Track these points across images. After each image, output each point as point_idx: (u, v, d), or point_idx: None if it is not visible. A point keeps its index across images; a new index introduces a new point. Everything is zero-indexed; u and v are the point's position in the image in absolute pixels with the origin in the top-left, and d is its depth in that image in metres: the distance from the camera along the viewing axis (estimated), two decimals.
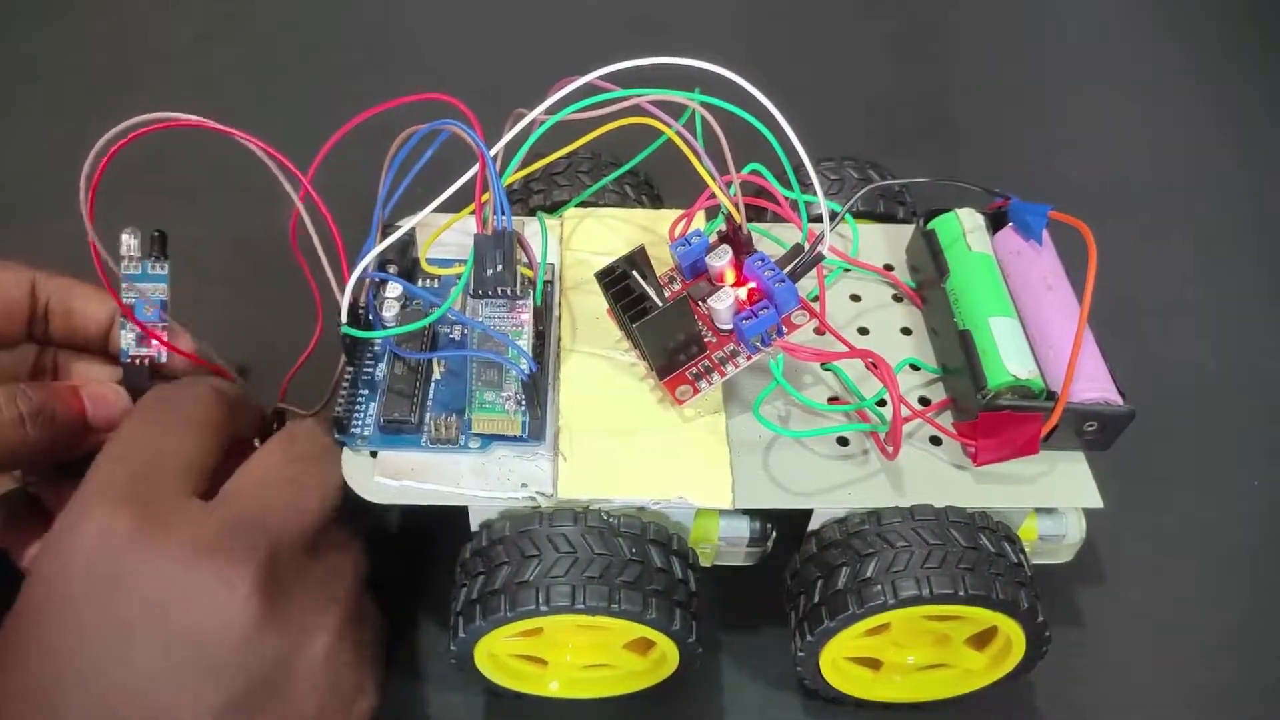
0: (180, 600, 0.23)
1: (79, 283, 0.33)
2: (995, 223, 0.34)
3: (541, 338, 0.31)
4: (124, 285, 0.31)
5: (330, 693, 0.26)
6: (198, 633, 0.23)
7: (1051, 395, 0.29)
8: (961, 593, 0.27)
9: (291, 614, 0.25)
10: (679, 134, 0.29)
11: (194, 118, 0.27)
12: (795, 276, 0.29)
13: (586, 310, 0.33)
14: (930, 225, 0.34)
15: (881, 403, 0.31)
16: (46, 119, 0.52)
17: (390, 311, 0.30)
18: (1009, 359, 0.30)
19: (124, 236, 0.30)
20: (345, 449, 0.29)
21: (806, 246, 0.30)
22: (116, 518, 0.23)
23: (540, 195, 0.37)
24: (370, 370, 0.31)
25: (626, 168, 0.37)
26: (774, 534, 0.31)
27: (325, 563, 0.27)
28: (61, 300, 0.32)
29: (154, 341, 0.31)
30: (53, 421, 0.29)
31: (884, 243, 0.37)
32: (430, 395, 0.30)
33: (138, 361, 0.31)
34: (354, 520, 0.29)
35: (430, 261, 0.33)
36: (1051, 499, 0.30)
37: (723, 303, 0.28)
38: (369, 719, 0.28)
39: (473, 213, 0.30)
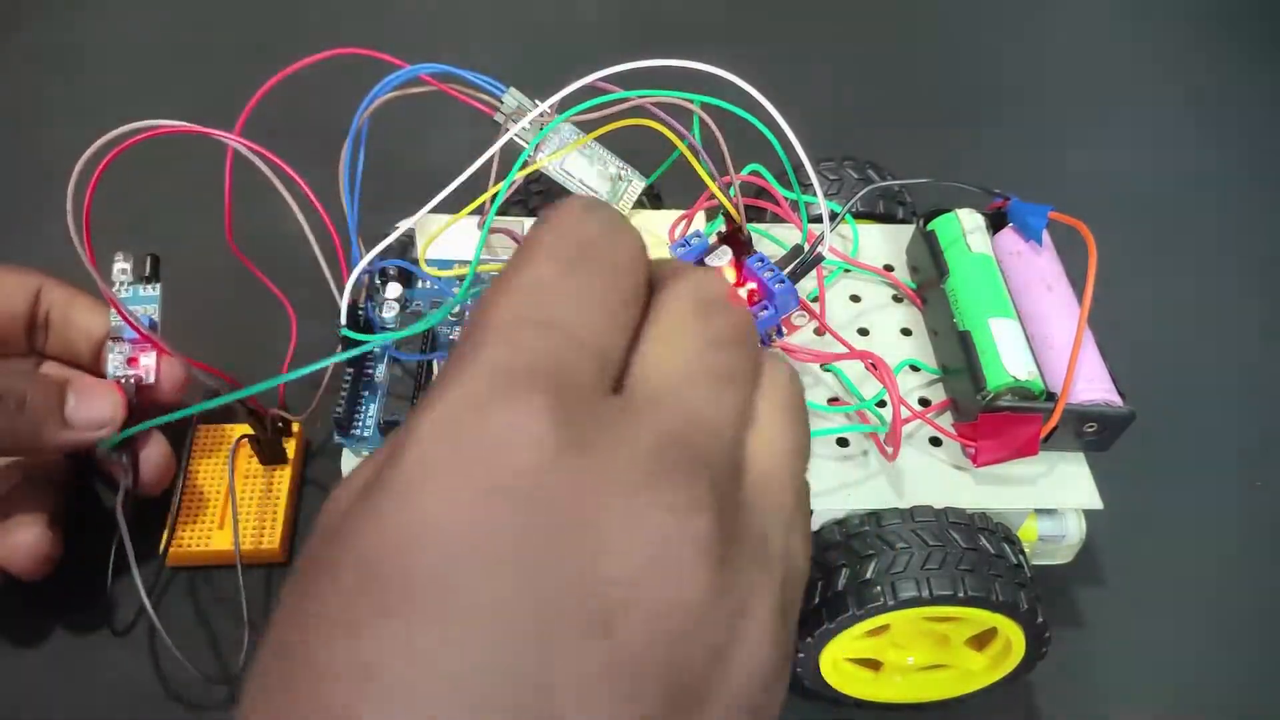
0: (610, 565, 0.14)
1: (82, 293, 0.33)
2: (995, 223, 0.34)
3: None
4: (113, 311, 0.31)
5: (752, 693, 0.16)
6: (632, 620, 0.14)
7: (1051, 396, 0.29)
8: (961, 594, 0.27)
9: (731, 589, 0.15)
10: (679, 135, 0.29)
11: (178, 124, 0.27)
12: (795, 277, 0.29)
13: None
14: (930, 226, 0.34)
15: (881, 404, 0.31)
16: (47, 118, 0.52)
17: (390, 313, 0.30)
18: (1009, 360, 0.30)
19: (116, 261, 0.30)
20: (345, 451, 0.29)
21: (806, 247, 0.30)
22: (539, 424, 0.14)
23: (540, 196, 0.37)
24: (370, 371, 0.31)
25: (647, 182, 0.36)
26: None
27: (753, 503, 0.17)
28: (62, 311, 0.32)
29: (140, 362, 0.31)
30: (19, 410, 0.28)
31: (884, 243, 0.37)
32: None
33: (124, 381, 0.31)
34: None
35: (430, 263, 0.33)
36: (1051, 500, 0.30)
37: None
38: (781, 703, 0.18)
39: (472, 213, 0.30)
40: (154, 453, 0.33)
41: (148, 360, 0.31)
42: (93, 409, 0.30)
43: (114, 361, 0.31)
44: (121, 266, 0.31)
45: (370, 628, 0.13)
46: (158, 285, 0.32)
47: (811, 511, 0.29)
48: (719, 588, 0.14)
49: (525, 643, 0.13)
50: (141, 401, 0.31)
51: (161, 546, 0.34)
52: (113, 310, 0.31)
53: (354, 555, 0.14)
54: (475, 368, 0.15)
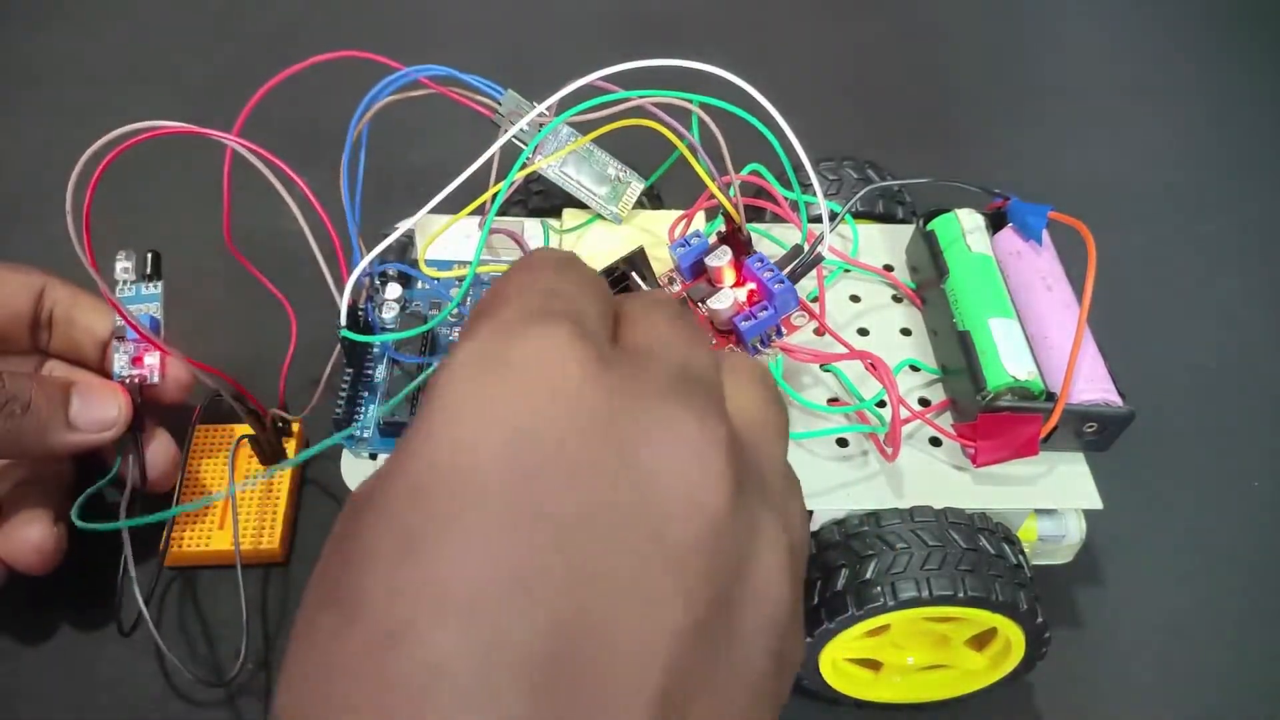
0: (649, 467, 0.15)
1: (85, 293, 0.33)
2: (995, 223, 0.34)
3: None
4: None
5: (777, 607, 0.16)
6: (673, 518, 0.14)
7: (1051, 396, 0.29)
8: (961, 594, 0.27)
9: (748, 499, 0.16)
10: (679, 135, 0.29)
11: (178, 125, 0.27)
12: (795, 278, 0.29)
13: None
14: (930, 226, 0.34)
15: (881, 404, 0.31)
16: (47, 117, 0.52)
17: (390, 313, 0.30)
18: (1008, 360, 0.30)
19: (119, 260, 0.30)
20: (345, 451, 0.29)
21: (806, 247, 0.30)
22: (569, 340, 0.15)
23: (539, 197, 0.37)
24: (370, 372, 0.31)
25: (646, 184, 0.36)
26: None
27: (751, 419, 0.18)
28: (66, 310, 0.32)
29: (145, 362, 0.31)
30: (24, 414, 0.28)
31: (884, 243, 0.37)
32: None
33: (129, 381, 0.31)
34: None
35: (430, 264, 0.33)
36: (1051, 500, 0.30)
37: (722, 304, 0.28)
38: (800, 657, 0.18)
39: (472, 214, 0.30)
40: (160, 451, 0.33)
41: (152, 360, 0.31)
42: (97, 411, 0.30)
43: (119, 361, 0.31)
44: (124, 265, 0.31)
45: (424, 544, 0.13)
46: (159, 283, 0.32)
47: (810, 512, 0.29)
48: (738, 498, 0.15)
49: (584, 539, 0.14)
50: (146, 401, 0.32)
51: (161, 546, 0.34)
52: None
53: (403, 484, 0.14)
54: (500, 311, 0.16)
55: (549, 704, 0.12)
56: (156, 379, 0.31)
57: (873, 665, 0.32)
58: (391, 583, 0.13)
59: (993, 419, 0.29)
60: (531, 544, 0.13)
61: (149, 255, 0.32)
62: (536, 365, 0.15)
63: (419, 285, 0.33)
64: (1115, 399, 0.29)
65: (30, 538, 0.31)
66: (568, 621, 0.13)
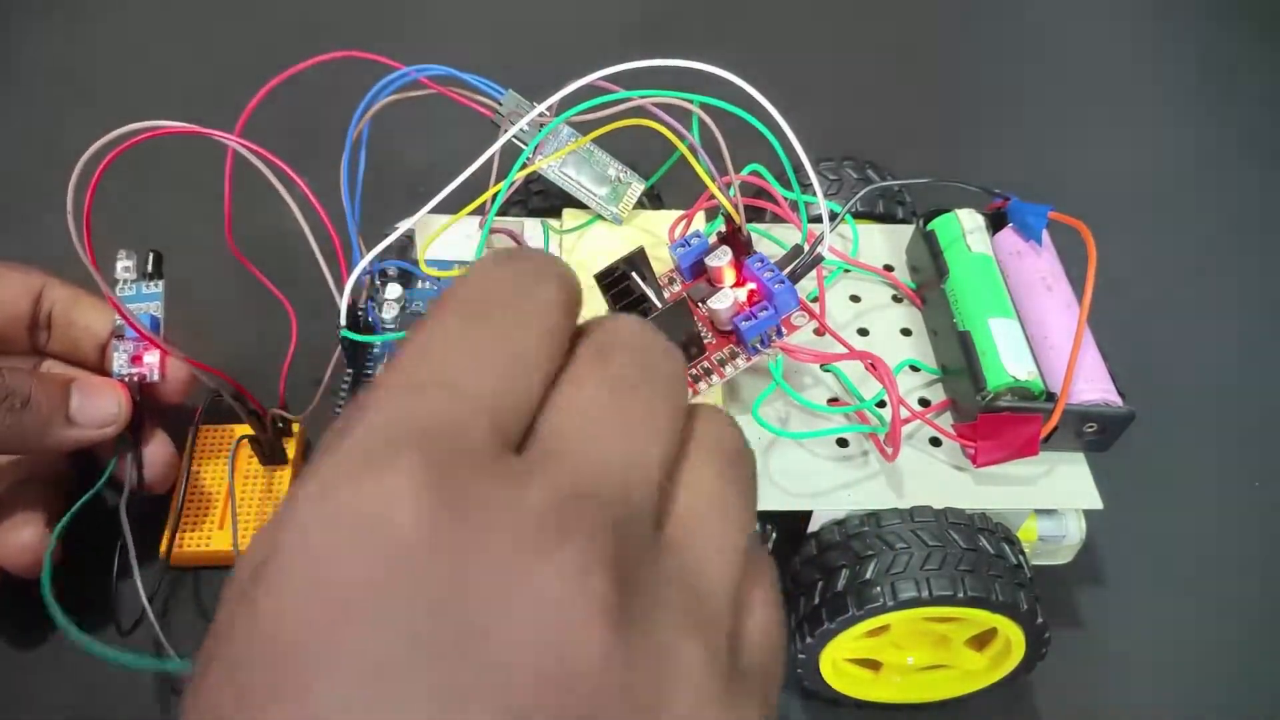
0: (505, 623, 0.13)
1: (85, 292, 0.33)
2: (995, 223, 0.34)
3: None
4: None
5: None
6: (520, 684, 0.13)
7: (1051, 396, 0.29)
8: (961, 595, 0.27)
9: (648, 640, 0.14)
10: (679, 136, 0.29)
11: (178, 124, 0.27)
12: (795, 278, 0.29)
13: (586, 311, 0.33)
14: (930, 226, 0.34)
15: (881, 404, 0.31)
16: (48, 116, 0.52)
17: (390, 313, 0.30)
18: (1008, 360, 0.30)
19: (119, 259, 0.30)
20: None
21: (806, 247, 0.30)
22: (412, 493, 0.13)
23: (539, 197, 0.37)
24: (370, 372, 0.31)
25: (646, 185, 0.36)
26: (774, 535, 0.31)
27: (678, 548, 0.15)
28: (65, 310, 0.32)
29: (144, 360, 0.31)
30: (24, 408, 0.28)
31: (884, 243, 0.37)
32: None
33: (129, 379, 0.31)
34: None
35: (430, 263, 0.33)
36: (1051, 500, 0.30)
37: (722, 304, 0.28)
38: None
39: (472, 214, 0.30)
40: (158, 452, 0.33)
41: (151, 358, 0.31)
42: (97, 407, 0.30)
43: (118, 360, 0.31)
44: (124, 264, 0.31)
45: (266, 712, 0.12)
46: (160, 282, 0.32)
47: (810, 512, 0.29)
48: (626, 650, 0.13)
49: (415, 714, 0.12)
50: (145, 400, 0.32)
51: (163, 548, 0.34)
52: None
53: (240, 649, 0.13)
54: (354, 436, 0.14)
55: None
56: (156, 377, 0.31)
57: (873, 665, 0.32)
58: None
59: (993, 419, 0.29)
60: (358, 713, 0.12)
61: (150, 255, 0.32)
62: (376, 522, 0.13)
63: (419, 285, 0.33)
64: (1115, 399, 0.29)
65: (23, 540, 0.30)
66: None
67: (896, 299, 0.35)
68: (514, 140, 0.31)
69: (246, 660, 0.13)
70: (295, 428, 0.36)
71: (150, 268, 0.32)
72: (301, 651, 0.12)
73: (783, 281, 0.28)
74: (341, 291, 0.28)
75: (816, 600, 0.29)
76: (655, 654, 0.14)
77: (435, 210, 0.28)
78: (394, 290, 0.31)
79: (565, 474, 0.14)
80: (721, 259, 0.29)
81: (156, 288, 0.32)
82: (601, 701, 0.13)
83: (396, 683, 0.12)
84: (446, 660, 0.12)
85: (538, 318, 0.16)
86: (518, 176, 0.31)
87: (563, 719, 0.12)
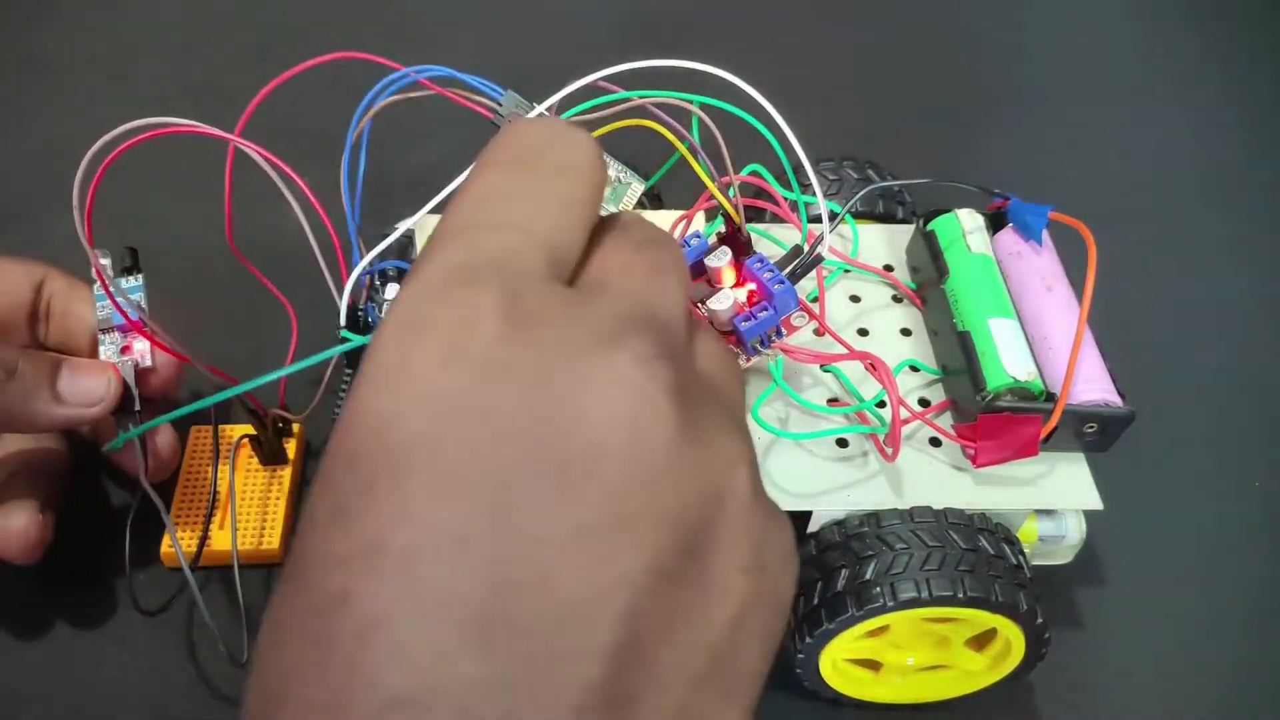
0: (580, 412, 0.14)
1: (83, 284, 0.33)
2: (995, 223, 0.34)
3: None
4: (99, 305, 0.31)
5: (757, 550, 0.16)
6: (610, 457, 0.14)
7: (1051, 397, 0.29)
8: (961, 595, 0.27)
9: (707, 433, 0.15)
10: (679, 136, 0.29)
11: (180, 123, 0.27)
12: (795, 278, 0.29)
13: None
14: (930, 226, 0.34)
15: (881, 404, 0.31)
16: (49, 115, 0.52)
17: None
18: (1008, 360, 0.30)
19: (97, 258, 0.30)
20: None
21: (806, 248, 0.30)
22: (486, 306, 0.15)
23: None
24: None
25: (646, 185, 0.36)
26: None
27: (712, 369, 0.18)
28: (63, 301, 0.33)
29: (134, 348, 0.31)
30: (9, 379, 0.28)
31: (884, 243, 0.37)
32: None
33: (122, 366, 0.31)
34: None
35: None
36: (1051, 500, 0.30)
37: (722, 305, 0.28)
38: (793, 592, 0.18)
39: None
40: (163, 440, 0.33)
41: (141, 345, 0.32)
42: (86, 386, 0.30)
43: (106, 351, 0.31)
44: (103, 263, 0.31)
45: (355, 509, 0.13)
46: (140, 275, 0.32)
47: (809, 512, 0.29)
48: (688, 437, 0.15)
49: (515, 495, 0.13)
50: (142, 387, 0.32)
51: (162, 548, 0.34)
52: (101, 302, 0.31)
53: (338, 453, 0.14)
54: (429, 267, 0.15)
55: (497, 658, 0.12)
56: (149, 362, 0.31)
57: (873, 665, 0.32)
58: (325, 549, 0.13)
59: (993, 419, 0.29)
60: (460, 504, 0.13)
61: (126, 251, 0.32)
62: (455, 329, 0.14)
63: None
64: (1115, 399, 0.29)
65: (15, 525, 0.31)
66: (508, 576, 0.13)
67: (896, 299, 0.35)
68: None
69: (347, 457, 0.14)
70: (295, 428, 0.37)
71: (128, 262, 0.32)
72: (397, 449, 0.13)
73: (783, 282, 0.28)
74: (341, 291, 0.28)
75: (816, 601, 0.29)
76: (713, 443, 0.15)
77: (435, 210, 0.28)
78: (393, 290, 0.31)
79: (618, 299, 0.16)
80: (721, 259, 0.29)
81: (137, 281, 0.32)
82: (678, 474, 0.14)
83: (491, 472, 0.13)
84: (537, 446, 0.14)
85: (578, 168, 0.17)
86: None
87: (647, 486, 0.14)
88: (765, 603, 0.16)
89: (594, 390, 0.14)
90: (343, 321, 0.28)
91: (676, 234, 0.33)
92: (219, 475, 0.35)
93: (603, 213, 0.18)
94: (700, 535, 0.15)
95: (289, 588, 0.14)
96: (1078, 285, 0.31)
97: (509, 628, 0.13)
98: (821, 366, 0.32)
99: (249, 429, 0.35)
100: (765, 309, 0.28)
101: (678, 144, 0.29)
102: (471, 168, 0.17)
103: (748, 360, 0.29)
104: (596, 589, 0.13)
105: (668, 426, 0.14)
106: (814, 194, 0.30)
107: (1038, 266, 0.32)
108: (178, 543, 0.31)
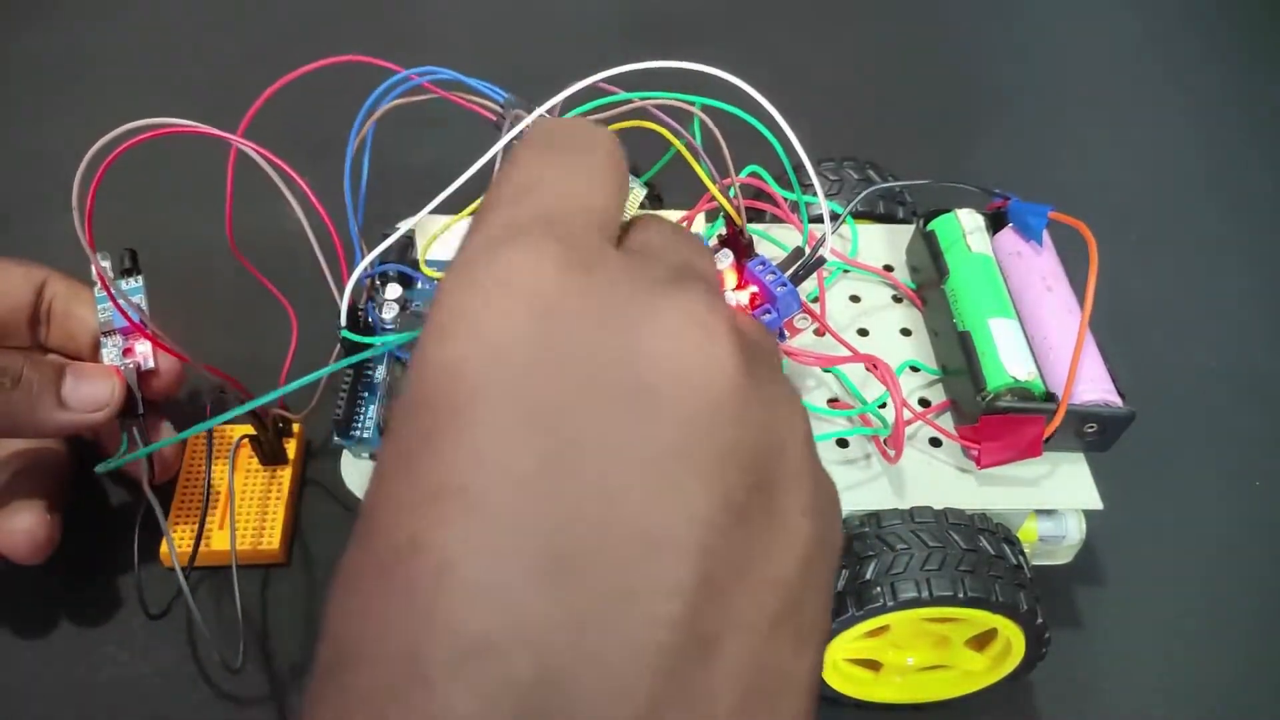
0: (648, 346, 0.14)
1: (85, 287, 0.33)
2: (995, 223, 0.34)
3: None
4: (100, 307, 0.31)
5: (815, 494, 0.16)
6: (681, 388, 0.14)
7: (1051, 397, 0.29)
8: (961, 595, 0.27)
9: (765, 377, 0.16)
10: (679, 138, 0.29)
11: (181, 123, 0.27)
12: (797, 280, 0.29)
13: None
14: (930, 226, 0.34)
15: (883, 406, 0.31)
16: (49, 116, 0.52)
17: (390, 313, 0.30)
18: (1009, 360, 0.30)
19: (96, 260, 0.30)
20: (345, 452, 0.29)
21: (807, 249, 0.30)
22: (543, 254, 0.15)
23: None
24: (370, 372, 0.31)
25: (641, 181, 0.36)
26: None
27: (750, 329, 0.18)
28: (64, 304, 0.32)
29: (136, 350, 0.31)
30: (14, 386, 0.28)
31: (884, 243, 0.37)
32: None
33: (127, 368, 0.31)
34: None
35: (430, 264, 0.33)
36: (1051, 500, 0.30)
37: None
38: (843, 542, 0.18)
39: (472, 214, 0.30)
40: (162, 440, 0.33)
41: (143, 348, 0.32)
42: (90, 391, 0.30)
43: (109, 354, 0.31)
44: (103, 265, 0.31)
45: (420, 455, 0.13)
46: (140, 277, 0.32)
47: None
48: (752, 376, 0.15)
49: (585, 435, 0.13)
50: (144, 390, 0.32)
51: (161, 549, 0.34)
52: (102, 304, 0.31)
53: (404, 404, 0.14)
54: (485, 225, 0.16)
55: (569, 596, 0.12)
56: (152, 364, 0.31)
57: (873, 665, 0.32)
58: (393, 499, 0.13)
59: (996, 421, 0.29)
60: (525, 442, 0.13)
61: (125, 253, 0.32)
62: (516, 279, 0.15)
63: (419, 285, 0.33)
64: (1116, 399, 0.29)
65: (22, 525, 0.31)
66: (580, 515, 0.13)
67: (896, 299, 0.35)
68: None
69: (412, 406, 0.14)
70: (295, 428, 0.37)
71: (127, 264, 0.32)
72: (461, 395, 0.14)
73: (785, 284, 0.28)
74: (342, 292, 0.28)
75: None
76: (774, 384, 0.16)
77: (435, 210, 0.28)
78: (394, 291, 0.31)
79: (665, 258, 0.17)
80: (723, 262, 0.29)
81: (137, 282, 0.32)
82: (744, 409, 0.14)
83: (557, 409, 0.13)
84: (604, 380, 0.14)
85: (606, 150, 0.18)
86: None
87: (715, 420, 0.14)
88: (825, 549, 0.16)
89: (661, 325, 0.14)
90: (343, 321, 0.28)
91: None
92: (219, 475, 0.35)
93: None
94: (766, 474, 0.15)
95: (359, 541, 0.13)
96: (1078, 285, 0.31)
97: (582, 566, 0.12)
98: (822, 367, 0.32)
99: (249, 429, 0.35)
100: (768, 311, 0.28)
101: (678, 145, 0.29)
102: (501, 161, 0.19)
103: None
104: (669, 524, 0.13)
105: (736, 363, 0.14)
106: (814, 194, 0.30)
107: (1038, 266, 0.32)
108: (173, 547, 0.31)
